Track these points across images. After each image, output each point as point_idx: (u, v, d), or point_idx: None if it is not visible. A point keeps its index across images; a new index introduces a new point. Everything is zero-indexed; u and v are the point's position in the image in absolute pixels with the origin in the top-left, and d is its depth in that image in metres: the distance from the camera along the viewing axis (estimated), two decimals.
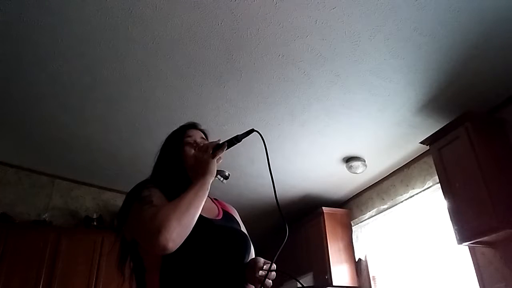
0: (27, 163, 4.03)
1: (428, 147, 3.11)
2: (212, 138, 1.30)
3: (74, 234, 3.86)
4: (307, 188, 4.29)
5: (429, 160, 3.30)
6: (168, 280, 1.02)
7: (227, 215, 1.26)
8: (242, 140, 1.19)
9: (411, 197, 3.60)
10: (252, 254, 1.21)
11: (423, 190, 3.46)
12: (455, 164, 2.78)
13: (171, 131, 1.33)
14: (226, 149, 1.17)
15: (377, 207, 4.04)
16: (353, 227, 4.32)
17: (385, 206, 3.91)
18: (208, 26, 2.28)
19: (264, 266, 1.11)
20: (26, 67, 2.62)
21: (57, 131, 3.38)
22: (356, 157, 3.68)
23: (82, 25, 2.28)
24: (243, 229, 1.28)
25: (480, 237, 2.56)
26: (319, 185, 4.24)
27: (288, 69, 2.60)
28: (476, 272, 2.81)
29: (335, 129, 3.25)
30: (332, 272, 3.99)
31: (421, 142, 3.11)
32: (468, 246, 2.79)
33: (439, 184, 2.95)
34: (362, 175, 3.94)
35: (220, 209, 1.26)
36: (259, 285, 1.09)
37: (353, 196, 4.50)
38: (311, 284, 4.18)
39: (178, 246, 0.95)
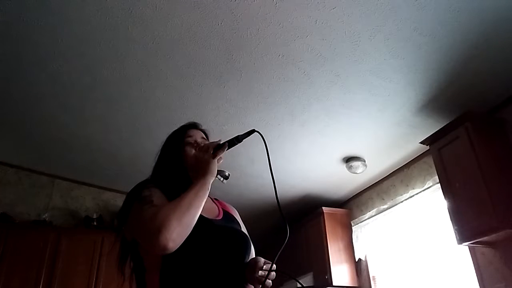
0: (27, 163, 4.03)
1: (428, 147, 3.11)
2: (212, 138, 1.30)
3: (74, 234, 3.85)
4: (307, 188, 4.29)
5: (429, 160, 3.30)
6: (168, 280, 1.02)
7: (228, 215, 1.26)
8: (243, 140, 1.19)
9: (411, 197, 3.61)
10: (252, 254, 1.21)
11: (423, 190, 3.46)
12: (455, 164, 2.78)
13: (171, 131, 1.33)
14: (227, 149, 1.17)
15: (377, 207, 4.04)
16: (353, 227, 4.32)
17: (385, 206, 3.91)
18: (208, 26, 2.28)
19: (264, 266, 1.11)
20: (26, 67, 2.62)
21: (57, 131, 3.38)
22: (356, 157, 3.68)
23: (82, 25, 2.28)
24: (244, 229, 1.28)
25: (480, 237, 2.56)
26: (319, 185, 4.24)
27: (288, 69, 2.60)
28: (476, 272, 2.81)
29: (335, 129, 3.25)
30: (332, 272, 3.99)
31: (421, 142, 3.11)
32: (468, 246, 2.79)
33: (439, 184, 2.95)
34: (362, 175, 3.94)
35: (221, 209, 1.26)
36: (259, 285, 1.09)
37: (353, 196, 4.50)
38: (311, 284, 4.18)
39: (178, 246, 0.95)
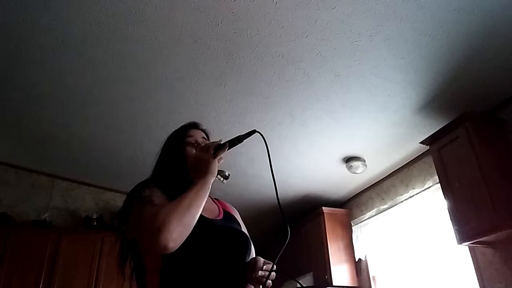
0: (27, 163, 4.03)
1: (428, 147, 3.11)
2: (213, 139, 1.30)
3: (74, 234, 3.85)
4: (307, 188, 4.29)
5: (429, 160, 3.30)
6: (168, 280, 1.02)
7: (228, 215, 1.26)
8: (243, 140, 1.19)
9: (411, 197, 3.61)
10: (253, 254, 1.21)
11: (423, 190, 3.46)
12: (455, 164, 2.78)
13: (172, 131, 1.33)
14: (227, 150, 1.17)
15: (377, 207, 4.04)
16: (353, 227, 4.32)
17: (385, 206, 3.91)
18: (208, 26, 2.28)
19: (264, 266, 1.11)
20: (26, 67, 2.62)
21: (57, 131, 3.38)
22: (356, 157, 3.68)
23: (82, 25, 2.28)
24: (244, 229, 1.28)
25: (480, 237, 2.56)
26: (319, 185, 4.24)
27: (288, 69, 2.60)
28: (476, 272, 2.81)
29: (335, 129, 3.25)
30: (332, 272, 3.99)
31: (421, 142, 3.11)
32: (468, 246, 2.79)
33: (439, 184, 2.95)
34: (362, 175, 3.94)
35: (221, 209, 1.26)
36: (259, 286, 1.09)
37: (353, 196, 4.50)
38: (311, 284, 4.18)
39: (178, 246, 0.95)
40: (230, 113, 3.07)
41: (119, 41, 2.40)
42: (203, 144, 1.24)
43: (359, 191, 4.38)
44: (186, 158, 1.22)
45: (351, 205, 4.51)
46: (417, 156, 3.61)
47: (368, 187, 4.26)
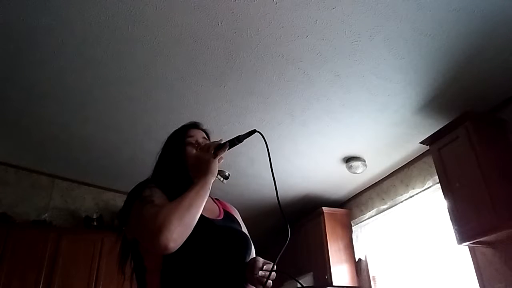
0: (27, 163, 4.03)
1: (428, 147, 3.11)
2: (213, 139, 1.30)
3: (74, 234, 3.85)
4: (307, 188, 4.29)
5: (429, 160, 3.30)
6: (168, 280, 1.02)
7: (228, 216, 1.26)
8: (244, 140, 1.19)
9: (411, 197, 3.61)
10: (253, 255, 1.21)
11: (423, 190, 3.46)
12: (455, 164, 2.78)
13: (172, 131, 1.33)
14: (228, 149, 1.17)
15: (377, 207, 4.04)
16: (353, 227, 4.32)
17: (385, 206, 3.91)
18: (208, 26, 2.28)
19: (265, 267, 1.11)
20: (26, 67, 2.62)
21: (57, 131, 3.38)
22: (356, 157, 3.68)
23: (82, 25, 2.28)
24: (244, 229, 1.28)
25: (480, 237, 2.56)
26: (319, 185, 4.24)
27: (288, 69, 2.60)
28: (476, 272, 2.81)
29: (335, 129, 3.25)
30: (332, 272, 3.99)
31: (421, 142, 3.11)
32: (468, 246, 2.79)
33: (439, 184, 2.95)
34: (362, 175, 3.94)
35: (221, 209, 1.26)
36: (260, 286, 1.09)
37: (353, 196, 4.50)
38: (311, 284, 4.18)
39: (179, 246, 0.95)
40: (230, 113, 3.07)
41: (119, 41, 2.40)
42: (203, 144, 1.23)
43: (359, 191, 4.38)
44: (187, 158, 1.22)
45: (351, 205, 4.51)
46: (417, 156, 3.61)
47: (368, 187, 4.26)
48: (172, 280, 1.02)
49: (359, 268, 4.12)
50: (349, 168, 3.74)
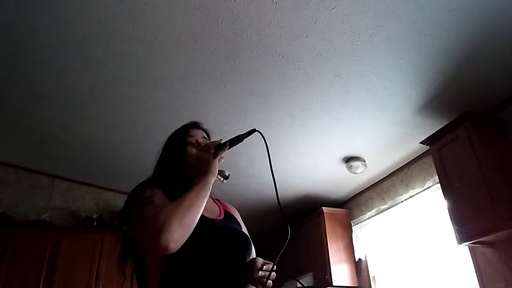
0: (27, 163, 4.03)
1: (428, 147, 3.11)
2: (213, 138, 1.30)
3: (74, 234, 3.85)
4: (307, 188, 4.29)
5: (429, 160, 3.30)
6: (169, 280, 1.02)
7: (229, 216, 1.26)
8: (243, 140, 1.19)
9: (411, 197, 3.61)
10: (253, 255, 1.21)
11: (423, 190, 3.46)
12: (455, 164, 2.78)
13: (172, 131, 1.33)
14: (228, 149, 1.16)
15: (377, 207, 4.04)
16: (353, 227, 4.32)
17: (385, 206, 3.91)
18: (208, 26, 2.28)
19: (264, 267, 1.11)
20: (26, 67, 2.62)
21: (57, 131, 3.38)
22: (356, 157, 3.68)
23: (82, 25, 2.28)
24: (244, 229, 1.28)
25: (480, 237, 2.56)
26: (319, 185, 4.24)
27: (288, 69, 2.60)
28: (476, 272, 2.81)
29: (335, 129, 3.25)
30: (332, 272, 3.99)
31: (421, 142, 3.11)
32: (468, 246, 2.79)
33: (439, 184, 2.95)
34: (362, 175, 3.94)
35: (222, 210, 1.26)
36: (260, 286, 1.09)
37: (353, 196, 4.50)
38: (311, 284, 4.18)
39: (179, 247, 0.95)
40: (230, 113, 3.07)
41: (119, 41, 2.40)
42: (203, 144, 1.23)
43: (359, 191, 4.38)
44: (187, 158, 1.22)
45: (351, 205, 4.51)
46: (417, 156, 3.61)
47: (368, 187, 4.25)
48: (173, 280, 1.02)
49: (359, 268, 4.12)
50: (349, 168, 3.74)
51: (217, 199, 1.33)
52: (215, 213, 1.22)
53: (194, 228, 0.99)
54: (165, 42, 2.40)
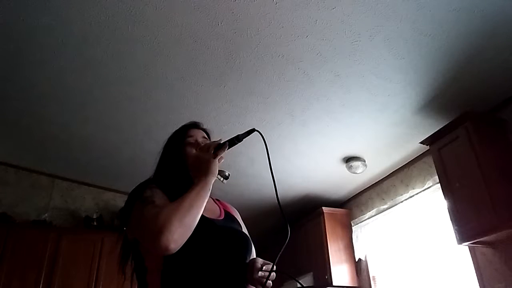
0: (27, 163, 4.03)
1: (428, 147, 3.11)
2: (213, 138, 1.30)
3: (74, 234, 3.85)
4: (307, 188, 4.29)
5: (429, 160, 3.30)
6: (169, 280, 1.02)
7: (229, 216, 1.26)
8: (243, 139, 1.19)
9: (411, 197, 3.61)
10: (253, 255, 1.21)
11: (423, 190, 3.46)
12: (455, 164, 2.78)
13: (172, 131, 1.33)
14: (227, 149, 1.16)
15: (377, 207, 4.04)
16: (353, 227, 4.32)
17: (385, 206, 3.91)
18: (208, 26, 2.28)
19: (264, 267, 1.11)
20: (26, 67, 2.62)
21: (57, 131, 3.38)
22: (356, 157, 3.68)
23: (82, 25, 2.28)
24: (245, 230, 1.28)
25: (480, 237, 2.56)
26: (319, 185, 4.24)
27: (288, 69, 2.60)
28: (476, 272, 2.81)
29: (335, 129, 3.25)
30: (332, 272, 3.99)
31: (421, 142, 3.11)
32: (468, 246, 2.79)
33: (439, 184, 2.95)
34: (362, 175, 3.94)
35: (222, 210, 1.26)
36: (259, 286, 1.09)
37: (353, 196, 4.50)
38: (311, 284, 4.18)
39: (180, 247, 0.95)
40: (230, 113, 3.07)
41: (119, 41, 2.40)
42: (203, 144, 1.23)
43: (359, 191, 4.38)
44: (187, 158, 1.22)
45: (351, 205, 4.51)
46: (417, 156, 3.61)
47: (368, 187, 4.25)
48: (173, 281, 1.02)
49: (359, 268, 4.12)
50: (349, 168, 3.74)
51: (217, 199, 1.33)
52: (215, 213, 1.22)
53: (195, 229, 0.99)
54: (165, 42, 2.40)
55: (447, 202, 2.79)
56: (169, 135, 1.32)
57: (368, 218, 4.13)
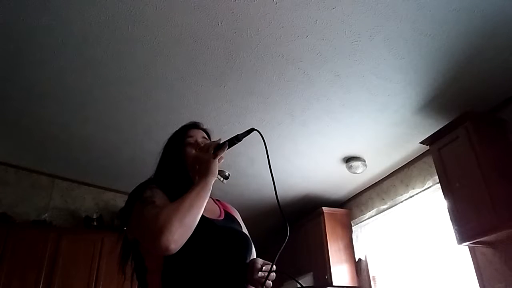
0: (27, 163, 4.03)
1: (428, 147, 3.11)
2: (213, 139, 1.30)
3: (74, 234, 3.85)
4: (307, 188, 4.29)
5: (429, 160, 3.30)
6: (169, 280, 1.02)
7: (229, 216, 1.26)
8: (243, 139, 1.19)
9: (411, 197, 3.61)
10: (253, 255, 1.21)
11: (423, 190, 3.46)
12: (455, 164, 2.78)
13: (171, 131, 1.33)
14: (227, 149, 1.16)
15: (377, 207, 4.04)
16: (353, 227, 4.32)
17: (385, 206, 3.91)
18: (208, 26, 2.28)
19: (264, 267, 1.11)
20: (26, 67, 2.62)
21: (57, 131, 3.38)
22: (356, 157, 3.68)
23: (82, 25, 2.28)
24: (245, 230, 1.28)
25: (480, 237, 2.56)
26: (319, 185, 4.24)
27: (288, 69, 2.60)
28: (476, 272, 2.81)
29: (335, 129, 3.25)
30: (332, 272, 3.99)
31: (421, 142, 3.11)
32: (468, 246, 2.79)
33: (439, 184, 2.95)
34: (362, 175, 3.94)
35: (222, 210, 1.26)
36: (260, 286, 1.09)
37: (353, 196, 4.50)
38: (311, 284, 4.18)
39: (180, 247, 0.95)
40: (230, 113, 3.07)
41: (119, 41, 2.40)
42: (203, 144, 1.23)
43: (359, 191, 4.38)
44: (187, 159, 1.22)
45: (351, 205, 4.51)
46: (417, 156, 3.61)
47: (368, 187, 4.25)
48: (173, 281, 1.02)
49: (359, 268, 4.12)
50: (349, 168, 3.74)
51: (217, 200, 1.33)
52: (216, 213, 1.22)
53: (195, 229, 0.99)
54: (165, 42, 2.40)
55: (447, 202, 2.79)
56: (169, 135, 1.32)
57: (368, 218, 4.13)
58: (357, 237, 4.23)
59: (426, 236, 3.36)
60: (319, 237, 4.29)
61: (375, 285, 3.91)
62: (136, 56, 2.51)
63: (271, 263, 1.11)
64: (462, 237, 2.63)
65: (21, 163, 4.02)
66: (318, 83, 2.72)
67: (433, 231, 3.28)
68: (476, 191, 2.56)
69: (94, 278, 3.66)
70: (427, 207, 3.43)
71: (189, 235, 0.97)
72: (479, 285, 2.76)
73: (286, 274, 1.20)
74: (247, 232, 1.27)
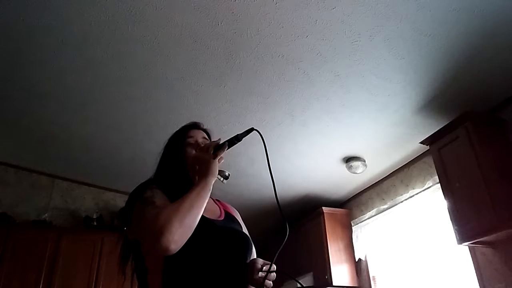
0: (27, 163, 4.03)
1: (428, 147, 3.11)
2: (213, 139, 1.30)
3: (74, 234, 3.85)
4: (307, 188, 4.29)
5: (429, 160, 3.30)
6: (170, 280, 1.02)
7: (229, 216, 1.26)
8: (243, 139, 1.19)
9: (411, 197, 3.61)
10: (254, 255, 1.21)
11: (423, 190, 3.46)
12: (455, 164, 2.78)
13: (171, 131, 1.33)
14: (227, 149, 1.16)
15: (377, 207, 4.04)
16: (353, 227, 4.32)
17: (385, 206, 3.91)
18: (208, 26, 2.28)
19: (264, 267, 1.11)
20: (26, 67, 2.62)
21: (57, 131, 3.38)
22: (356, 157, 3.68)
23: (82, 25, 2.28)
24: (245, 230, 1.28)
25: (480, 237, 2.56)
26: (319, 185, 4.24)
27: (288, 69, 2.60)
28: (476, 272, 2.81)
29: (335, 129, 3.25)
30: (332, 272, 3.99)
31: (421, 142, 3.11)
32: (468, 246, 2.79)
33: (439, 184, 2.95)
34: (362, 175, 3.94)
35: (222, 210, 1.26)
36: (259, 287, 1.09)
37: (353, 196, 4.50)
38: (311, 284, 4.18)
39: (180, 247, 0.95)
40: (230, 113, 3.07)
41: (119, 41, 2.40)
42: (203, 145, 1.23)
43: (359, 191, 4.38)
44: (187, 159, 1.22)
45: (351, 205, 4.51)
46: (417, 156, 3.61)
47: (368, 187, 4.25)
48: (174, 281, 1.02)
49: (359, 268, 4.12)
50: (349, 168, 3.74)
51: (217, 200, 1.33)
52: (216, 213, 1.22)
53: (195, 229, 0.99)
54: (165, 42, 2.40)
55: (447, 202, 2.79)
56: (169, 135, 1.32)
57: (368, 218, 4.13)
58: (357, 237, 4.23)
59: (426, 236, 3.36)
60: (319, 237, 4.29)
61: (375, 285, 3.91)
62: (136, 56, 2.51)
63: (271, 263, 1.11)
64: (462, 237, 2.63)
65: (21, 163, 4.02)
66: (318, 83, 2.72)
67: (433, 231, 3.28)
68: (476, 191, 2.56)
69: (94, 278, 3.66)
70: (427, 207, 3.43)
71: (189, 235, 0.97)
72: (479, 285, 2.76)
73: (286, 274, 1.20)
74: (247, 232, 1.27)
